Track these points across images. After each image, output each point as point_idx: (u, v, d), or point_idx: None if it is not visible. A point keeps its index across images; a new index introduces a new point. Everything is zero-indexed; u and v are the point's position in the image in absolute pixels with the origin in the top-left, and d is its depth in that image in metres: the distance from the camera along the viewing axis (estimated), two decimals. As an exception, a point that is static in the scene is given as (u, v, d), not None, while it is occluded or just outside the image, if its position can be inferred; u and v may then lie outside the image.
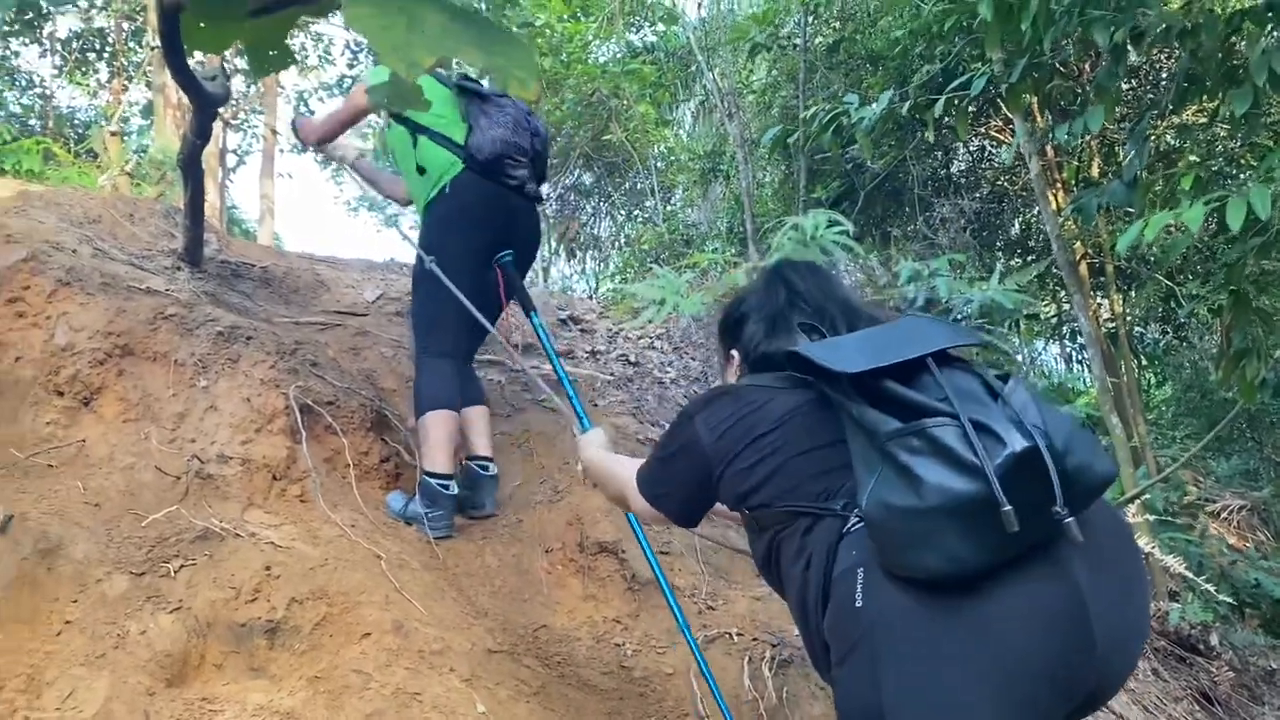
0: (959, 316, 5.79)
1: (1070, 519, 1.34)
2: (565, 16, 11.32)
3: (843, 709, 1.55)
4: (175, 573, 2.65)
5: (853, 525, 1.54)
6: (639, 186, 13.55)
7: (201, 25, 2.83)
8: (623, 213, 14.60)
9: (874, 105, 4.66)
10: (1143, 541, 3.58)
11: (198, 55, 4.88)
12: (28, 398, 3.17)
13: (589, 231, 14.69)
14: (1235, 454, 10.80)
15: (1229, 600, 3.92)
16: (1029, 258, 10.80)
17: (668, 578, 2.90)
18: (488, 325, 3.30)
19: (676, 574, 3.35)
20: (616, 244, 14.74)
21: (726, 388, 1.91)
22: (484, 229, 3.50)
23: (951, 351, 1.60)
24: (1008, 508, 1.31)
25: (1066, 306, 12.56)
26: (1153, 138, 4.89)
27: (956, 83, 4.47)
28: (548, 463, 3.81)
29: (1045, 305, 11.38)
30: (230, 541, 2.78)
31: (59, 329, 3.36)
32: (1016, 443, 1.35)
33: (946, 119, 5.99)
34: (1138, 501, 4.23)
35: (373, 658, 2.47)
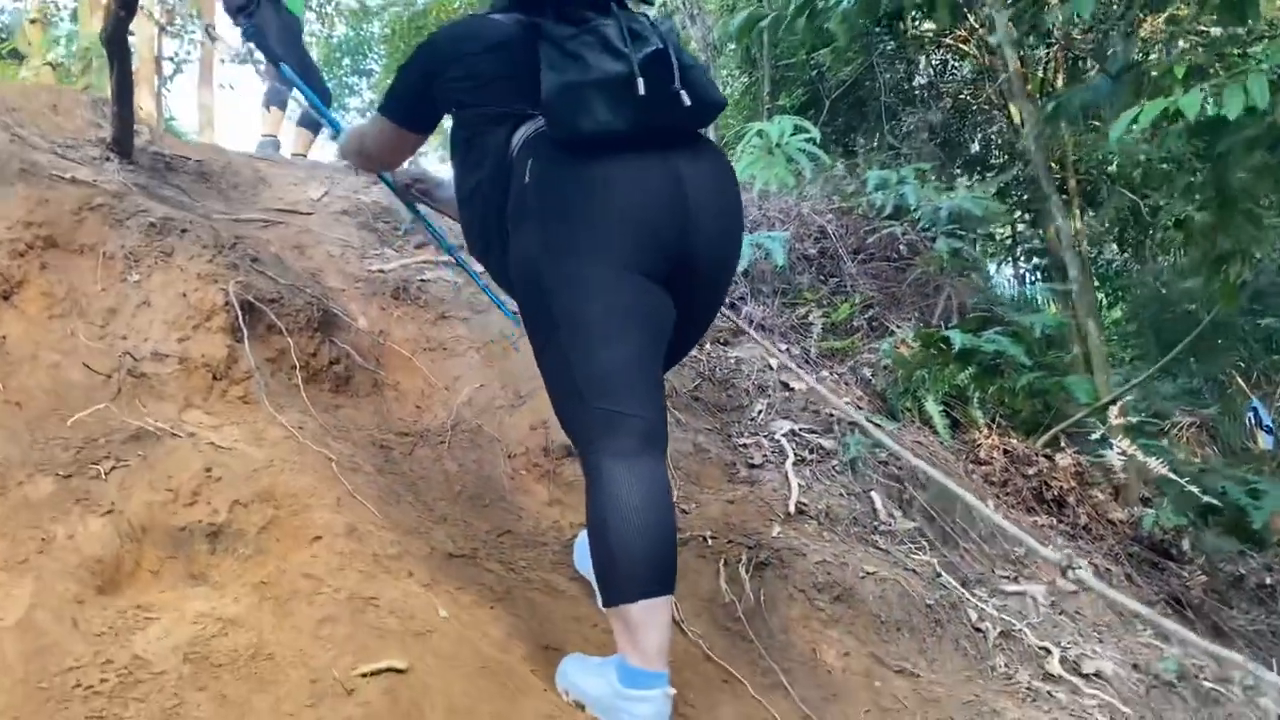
0: (928, 225, 5.64)
1: (683, 90, 1.89)
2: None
3: (513, 263, 2.06)
4: (106, 474, 2.43)
5: (532, 121, 2.01)
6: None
7: None
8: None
9: (852, -10, 4.43)
10: (1125, 444, 3.52)
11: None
12: (-61, 292, 2.90)
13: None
14: (1178, 375, 10.90)
15: (1214, 501, 3.87)
16: (987, 174, 10.70)
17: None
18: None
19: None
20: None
21: (471, 15, 2.34)
22: None
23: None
24: (640, 78, 1.83)
25: (1021, 227, 12.54)
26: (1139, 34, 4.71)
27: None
28: (509, 367, 3.61)
29: (999, 226, 11.32)
30: (167, 442, 2.57)
31: (-28, 220, 3.08)
32: (656, 44, 1.89)
33: (914, 24, 5.78)
34: (1119, 404, 4.16)
35: (324, 561, 2.29)
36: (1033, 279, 13.29)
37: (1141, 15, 4.35)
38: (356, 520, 2.46)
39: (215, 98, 13.57)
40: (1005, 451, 4.12)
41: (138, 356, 2.89)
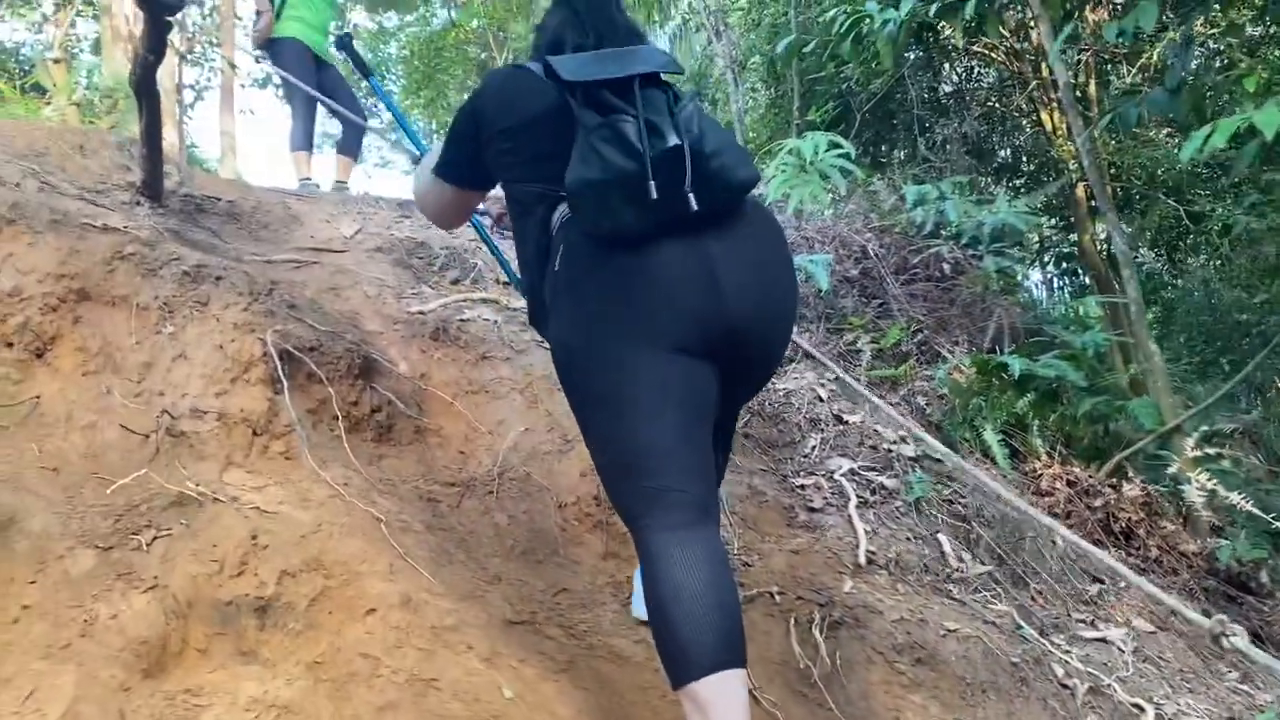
0: (970, 242, 5.48)
1: (691, 193, 1.83)
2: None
3: (551, 342, 2.10)
4: (148, 545, 2.32)
5: (565, 204, 2.00)
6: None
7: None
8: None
9: (899, 9, 4.28)
10: (1203, 479, 3.35)
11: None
12: (-30, 351, 2.80)
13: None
14: (1211, 377, 10.66)
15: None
16: (1017, 181, 10.52)
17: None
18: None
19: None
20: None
21: (518, 65, 2.26)
22: None
23: (663, 76, 2.03)
24: (651, 181, 1.78)
25: (1048, 232, 12.34)
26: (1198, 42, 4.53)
27: (988, -19, 4.08)
28: (554, 409, 3.48)
29: (1029, 232, 11.13)
30: (209, 507, 2.45)
31: (4, 272, 2.98)
32: (672, 140, 1.83)
33: (949, 31, 5.63)
34: (1196, 434, 3.99)
35: (380, 637, 2.17)
36: (1060, 284, 13.08)
37: (1199, 23, 4.20)
38: (410, 588, 2.34)
39: (236, 123, 13.57)
40: (1069, 482, 3.96)
41: (175, 414, 2.78)
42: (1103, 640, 3.09)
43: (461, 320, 3.80)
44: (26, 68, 12.43)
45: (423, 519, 2.82)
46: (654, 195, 1.79)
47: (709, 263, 1.90)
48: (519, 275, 2.62)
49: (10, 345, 2.85)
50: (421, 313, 3.75)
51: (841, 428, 3.88)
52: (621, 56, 2.03)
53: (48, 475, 2.49)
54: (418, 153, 3.16)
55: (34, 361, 2.86)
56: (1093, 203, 9.41)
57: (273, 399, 2.91)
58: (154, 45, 3.19)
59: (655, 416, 1.92)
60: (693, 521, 1.90)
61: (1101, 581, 3.48)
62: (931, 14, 4.36)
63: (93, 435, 2.67)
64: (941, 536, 3.33)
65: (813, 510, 3.33)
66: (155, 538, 2.34)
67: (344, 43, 3.70)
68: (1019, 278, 5.62)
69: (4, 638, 2.04)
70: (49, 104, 8.24)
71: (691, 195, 1.83)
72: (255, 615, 2.25)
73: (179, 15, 3.31)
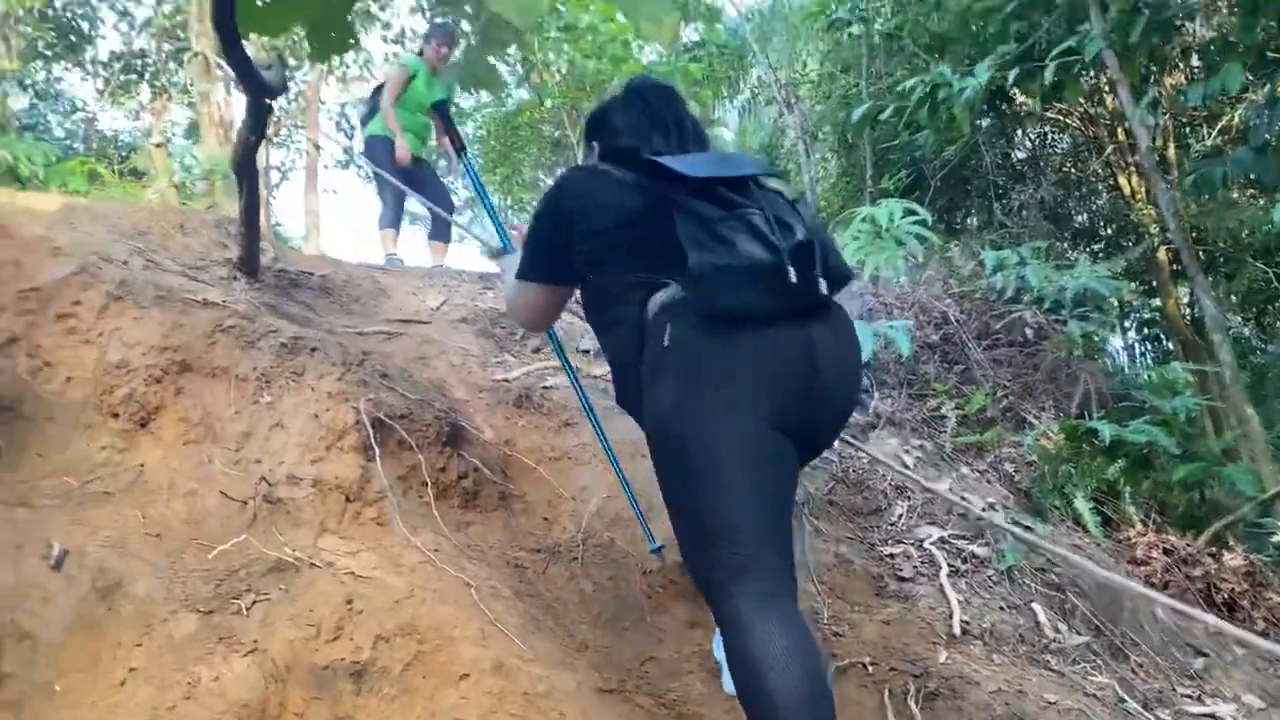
0: (1053, 306, 5.42)
1: (821, 279, 1.98)
2: (609, 18, 11.04)
3: (648, 416, 2.12)
4: (248, 610, 2.37)
5: (667, 289, 2.09)
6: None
7: (260, 3, 2.57)
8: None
9: (975, 77, 4.30)
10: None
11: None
12: (80, 420, 2.91)
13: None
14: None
15: None
16: (1095, 246, 10.39)
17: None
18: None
19: (790, 594, 3.03)
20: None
21: (587, 165, 2.39)
22: None
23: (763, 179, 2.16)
24: (790, 268, 1.90)
25: (1127, 297, 12.11)
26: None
27: (1064, 45, 4.09)
28: (634, 474, 3.49)
29: (1110, 297, 10.94)
30: (306, 573, 2.50)
31: (112, 345, 3.11)
32: (801, 234, 1.98)
33: (1026, 97, 5.63)
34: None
35: (474, 703, 2.18)
36: (1142, 349, 12.79)
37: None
38: (502, 654, 2.35)
39: (320, 202, 14.04)
40: (1166, 550, 3.83)
41: (273, 481, 2.85)
42: (1211, 716, 2.97)
43: (544, 388, 3.86)
44: (124, 154, 13.07)
45: (511, 585, 2.83)
46: (793, 279, 1.90)
47: (811, 349, 1.99)
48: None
49: (116, 415, 2.97)
50: (505, 380, 3.81)
51: (928, 494, 3.83)
52: (727, 160, 2.23)
53: (151, 541, 2.56)
54: (501, 246, 3.20)
55: (138, 431, 2.97)
56: (1175, 267, 9.24)
57: (365, 466, 2.97)
58: (255, 126, 3.34)
59: (750, 491, 1.96)
60: (775, 593, 1.92)
61: (1206, 655, 3.35)
62: (1010, 81, 4.38)
63: (194, 502, 2.75)
64: (1036, 606, 3.24)
65: (902, 579, 3.27)
66: (254, 602, 2.40)
67: (443, 111, 3.77)
68: (1102, 343, 5.52)
69: (112, 699, 2.10)
70: (146, 187, 8.65)
71: (822, 280, 1.97)
72: (351, 680, 2.27)
73: (279, 98, 3.47)
